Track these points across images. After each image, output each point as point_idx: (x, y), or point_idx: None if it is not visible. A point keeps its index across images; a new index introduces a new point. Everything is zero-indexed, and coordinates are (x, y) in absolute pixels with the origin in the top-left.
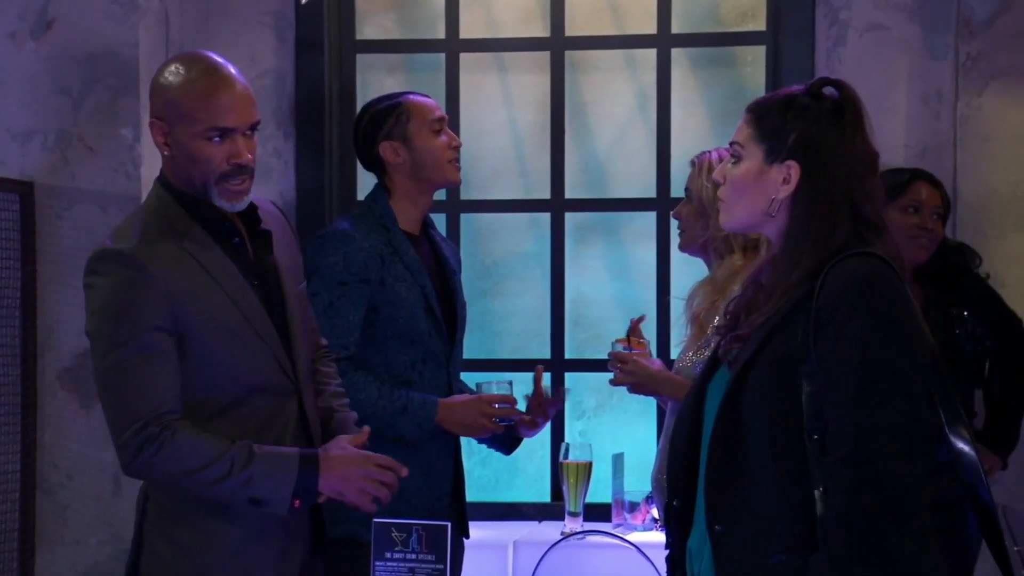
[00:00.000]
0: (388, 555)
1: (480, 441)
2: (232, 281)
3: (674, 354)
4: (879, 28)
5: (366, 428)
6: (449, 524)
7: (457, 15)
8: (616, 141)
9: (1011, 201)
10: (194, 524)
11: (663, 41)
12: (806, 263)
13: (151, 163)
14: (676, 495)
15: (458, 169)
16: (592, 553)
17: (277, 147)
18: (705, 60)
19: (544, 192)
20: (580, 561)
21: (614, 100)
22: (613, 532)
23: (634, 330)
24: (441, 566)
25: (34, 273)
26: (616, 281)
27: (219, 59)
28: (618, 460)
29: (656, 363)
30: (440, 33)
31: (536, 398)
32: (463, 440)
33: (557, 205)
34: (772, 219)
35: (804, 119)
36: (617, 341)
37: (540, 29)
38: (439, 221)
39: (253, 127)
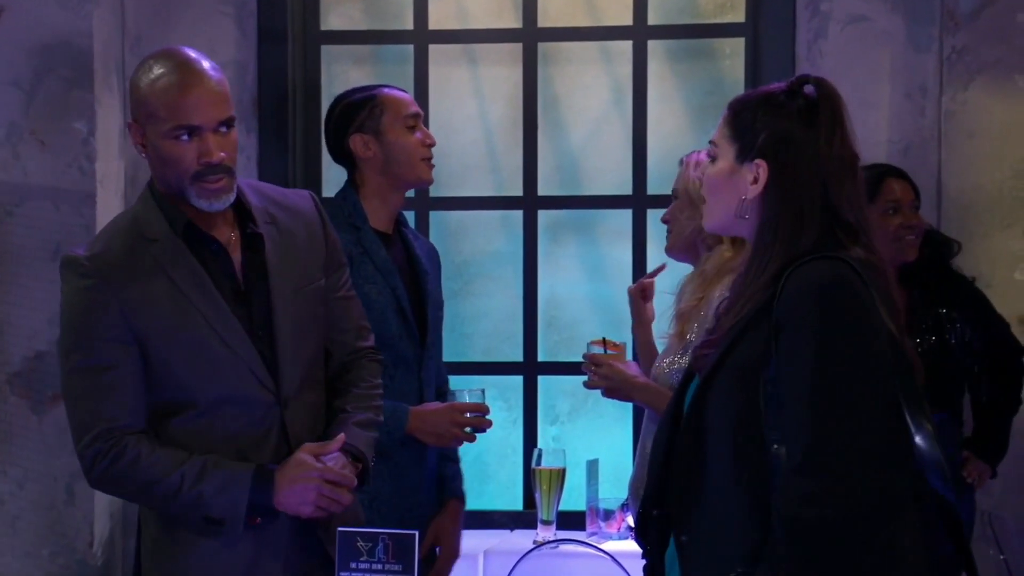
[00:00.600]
0: (353, 565)
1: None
2: (199, 291)
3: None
4: (861, 20)
5: (340, 436)
6: (416, 533)
7: (426, 5)
8: (591, 136)
9: (997, 199)
10: (180, 558)
11: (639, 33)
12: (773, 266)
13: (106, 158)
14: (655, 504)
15: (431, 168)
16: (565, 563)
17: (239, 142)
18: (683, 52)
19: (516, 189)
20: (553, 571)
21: (588, 94)
22: (587, 541)
23: (652, 276)
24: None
25: None
26: (591, 281)
27: (190, 54)
28: (592, 466)
29: (632, 367)
30: (408, 24)
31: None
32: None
33: (529, 202)
34: (745, 220)
35: (776, 117)
36: (592, 343)
37: (512, 20)
38: (407, 219)
39: (225, 123)
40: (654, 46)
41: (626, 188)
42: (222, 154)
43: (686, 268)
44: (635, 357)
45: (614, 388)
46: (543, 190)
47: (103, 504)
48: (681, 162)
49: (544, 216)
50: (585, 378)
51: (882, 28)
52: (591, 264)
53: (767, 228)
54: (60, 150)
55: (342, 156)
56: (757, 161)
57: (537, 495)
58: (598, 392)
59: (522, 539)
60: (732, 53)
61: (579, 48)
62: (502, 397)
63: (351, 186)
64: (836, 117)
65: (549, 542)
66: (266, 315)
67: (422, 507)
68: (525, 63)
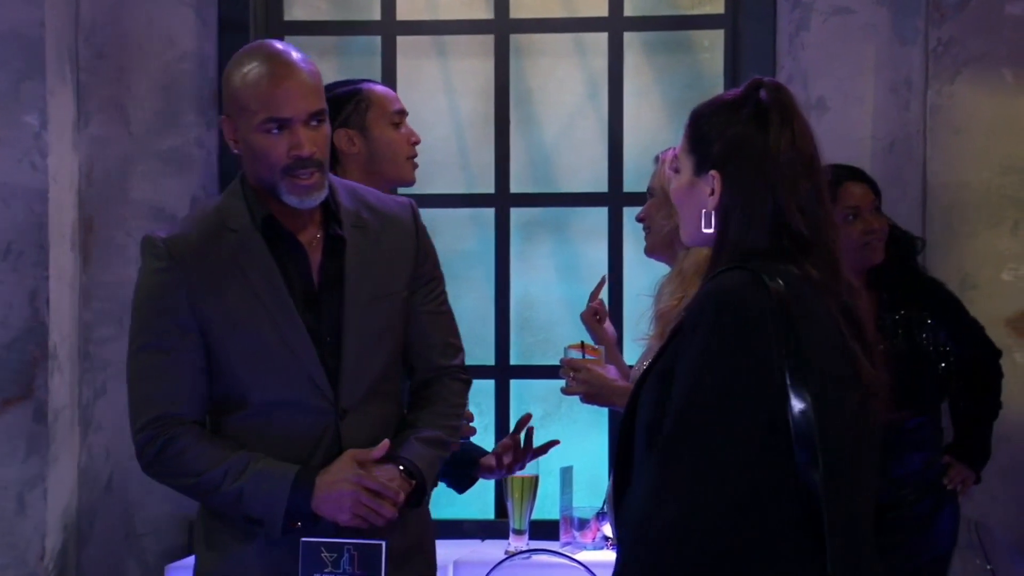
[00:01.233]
0: None
1: None
2: (269, 287)
3: (630, 358)
4: (844, 12)
5: (384, 442)
6: (383, 543)
7: None
8: (565, 131)
9: (984, 197)
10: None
11: (615, 24)
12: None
13: (59, 152)
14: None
15: (414, 168)
16: (538, 573)
17: (199, 136)
18: (660, 45)
19: (488, 186)
20: None
21: (563, 87)
22: (561, 551)
23: (596, 295)
24: None
25: None
26: (565, 281)
27: (280, 46)
28: (566, 474)
29: (611, 371)
30: (375, 14)
31: (516, 445)
32: None
33: (502, 200)
34: (711, 233)
35: (728, 125)
36: (570, 347)
37: (483, 11)
38: None
39: (316, 116)
40: (630, 38)
41: (601, 185)
42: (313, 148)
43: (663, 268)
44: None
45: (593, 393)
46: (515, 187)
47: (56, 515)
48: (657, 159)
49: (517, 214)
50: (561, 383)
51: (866, 20)
52: (565, 264)
53: (717, 239)
54: (10, 145)
55: None
56: (712, 172)
57: (509, 504)
58: (573, 398)
59: (493, 549)
60: (711, 46)
61: (553, 40)
62: (473, 402)
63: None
64: (786, 118)
65: (521, 552)
66: (336, 321)
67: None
68: (497, 56)
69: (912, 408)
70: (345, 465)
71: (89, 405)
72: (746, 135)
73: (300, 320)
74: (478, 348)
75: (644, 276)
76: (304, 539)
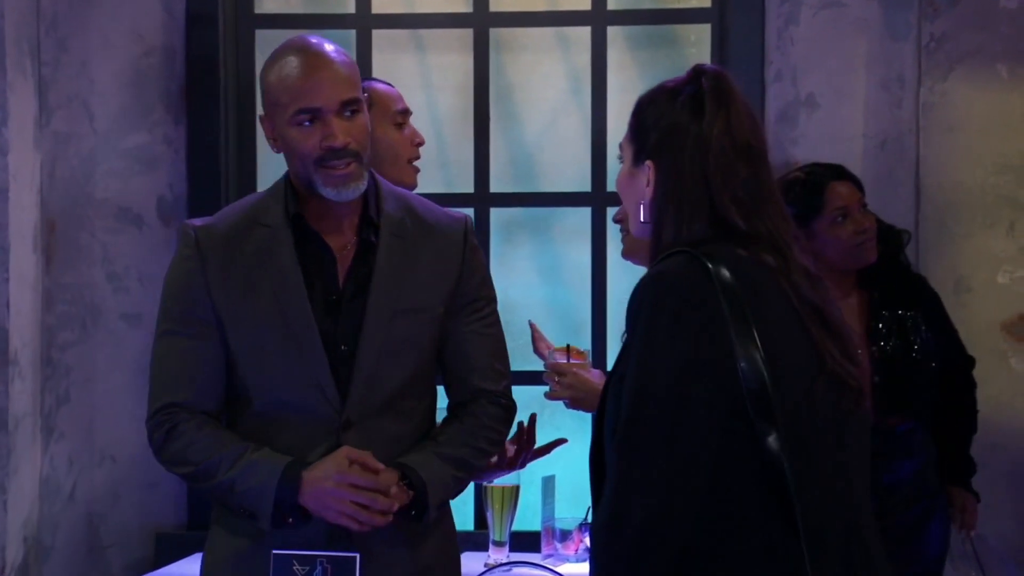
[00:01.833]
0: None
1: None
2: (288, 287)
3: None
4: (835, 5)
5: (369, 452)
6: (358, 555)
7: None
8: (546, 129)
9: (979, 197)
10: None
11: (598, 18)
12: None
13: (20, 149)
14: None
15: (416, 172)
16: None
17: (167, 134)
18: (645, 39)
19: (467, 185)
20: None
21: (544, 83)
22: (542, 564)
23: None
24: None
25: None
26: (547, 284)
27: (313, 39)
28: (548, 483)
29: (596, 375)
30: (350, 7)
31: (522, 444)
32: None
33: (481, 200)
34: (648, 225)
35: (664, 114)
36: (555, 350)
37: (462, 4)
38: None
39: (350, 106)
40: (614, 32)
41: (584, 185)
42: (347, 138)
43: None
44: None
45: (579, 398)
46: (495, 187)
47: (16, 527)
48: None
49: (497, 214)
50: (546, 389)
51: (857, 14)
52: (547, 266)
53: (654, 229)
54: None
55: None
56: (647, 163)
57: (489, 514)
58: (554, 404)
59: (473, 561)
60: (697, 40)
61: (534, 34)
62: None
63: None
64: (722, 102)
65: (501, 565)
66: (355, 329)
67: None
68: (476, 50)
69: (903, 413)
70: (334, 461)
71: (51, 413)
72: (679, 123)
73: (315, 322)
74: None
75: (628, 279)
76: (275, 551)
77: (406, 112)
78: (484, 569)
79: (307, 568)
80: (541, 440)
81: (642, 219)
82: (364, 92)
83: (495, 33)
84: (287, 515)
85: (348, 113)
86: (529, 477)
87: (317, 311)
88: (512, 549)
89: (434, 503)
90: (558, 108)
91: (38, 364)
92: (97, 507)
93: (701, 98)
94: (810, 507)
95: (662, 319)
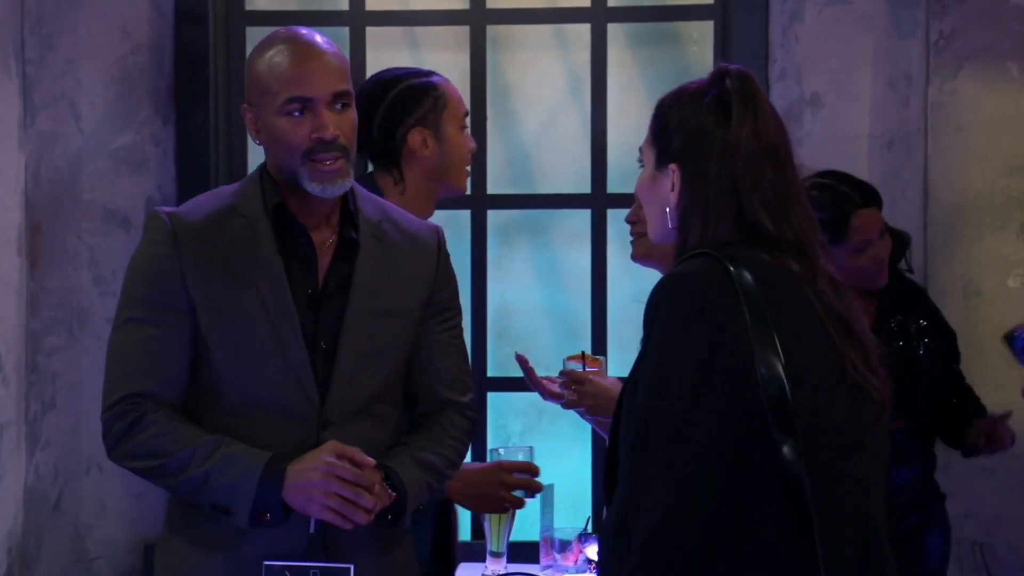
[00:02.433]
0: None
1: None
2: (269, 278)
3: (617, 370)
4: (841, 2)
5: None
6: (351, 567)
7: None
8: (545, 129)
9: (988, 198)
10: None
11: (598, 15)
12: None
13: (4, 150)
14: None
15: (468, 176)
16: None
17: (155, 133)
18: (645, 37)
19: None
20: None
21: (543, 82)
22: (541, 575)
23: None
24: None
25: None
26: (546, 288)
27: (303, 30)
28: (547, 493)
29: (612, 381)
30: (343, 4)
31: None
32: None
33: (478, 202)
34: (674, 230)
35: (689, 116)
36: (569, 358)
37: (458, 0)
38: None
39: (340, 98)
40: (614, 30)
41: (584, 186)
42: (337, 131)
43: (649, 273)
44: None
45: (599, 405)
46: (493, 188)
47: (0, 538)
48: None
49: (494, 216)
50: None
51: (863, 11)
52: (546, 269)
53: (679, 235)
54: None
55: (386, 150)
56: (671, 166)
57: (486, 524)
58: (553, 411)
59: (470, 573)
60: (700, 38)
61: (532, 32)
62: None
63: (374, 187)
64: (749, 104)
65: None
66: (335, 327)
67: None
68: (473, 48)
69: (905, 419)
70: (322, 452)
71: (36, 420)
72: (706, 126)
73: (296, 317)
74: None
75: (629, 282)
76: (267, 562)
77: (467, 115)
78: None
79: None
80: (539, 450)
81: (669, 224)
82: (437, 90)
83: (492, 30)
84: (265, 511)
85: (339, 106)
86: None
87: (298, 306)
88: (510, 560)
89: (411, 509)
90: (557, 108)
91: (23, 370)
92: (83, 518)
93: (727, 100)
94: (826, 517)
95: (679, 320)
